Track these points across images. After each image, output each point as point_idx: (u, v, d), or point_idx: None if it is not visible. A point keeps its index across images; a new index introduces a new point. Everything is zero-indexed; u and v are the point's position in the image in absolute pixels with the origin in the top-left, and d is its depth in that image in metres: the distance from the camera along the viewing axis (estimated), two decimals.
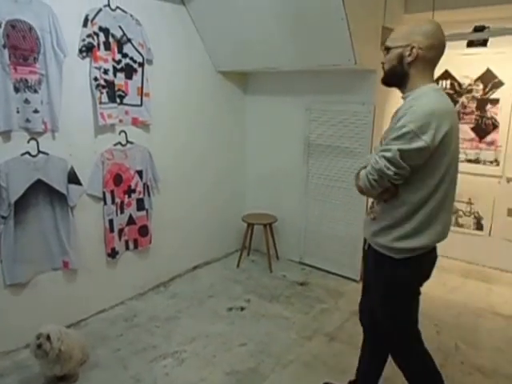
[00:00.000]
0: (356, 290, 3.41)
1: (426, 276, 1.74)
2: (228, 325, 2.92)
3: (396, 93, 3.90)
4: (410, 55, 1.58)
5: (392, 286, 1.71)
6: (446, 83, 3.92)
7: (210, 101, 3.69)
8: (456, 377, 2.40)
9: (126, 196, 3.04)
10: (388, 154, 1.52)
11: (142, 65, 2.97)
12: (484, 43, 3.07)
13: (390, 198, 1.62)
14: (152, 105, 3.09)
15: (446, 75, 3.91)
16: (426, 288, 3.34)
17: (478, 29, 3.06)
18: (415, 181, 1.56)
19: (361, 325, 2.06)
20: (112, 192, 2.93)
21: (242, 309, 3.14)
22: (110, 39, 2.76)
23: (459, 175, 3.95)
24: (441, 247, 4.21)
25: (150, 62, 3.05)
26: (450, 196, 1.62)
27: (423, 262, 1.68)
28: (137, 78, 2.96)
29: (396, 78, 1.66)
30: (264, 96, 3.94)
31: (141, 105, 3.01)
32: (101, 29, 2.69)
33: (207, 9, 3.26)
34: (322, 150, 3.62)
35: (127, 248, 3.14)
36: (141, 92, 2.99)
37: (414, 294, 1.75)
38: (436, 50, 1.59)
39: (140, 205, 3.14)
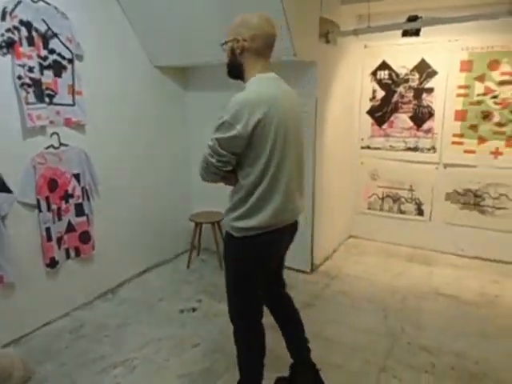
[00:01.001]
0: (307, 281, 3.47)
1: (265, 257, 1.84)
2: (180, 327, 2.85)
3: (338, 85, 3.98)
4: (238, 47, 1.73)
5: (233, 261, 1.86)
6: (384, 73, 4.03)
7: (148, 98, 3.55)
8: (404, 358, 2.49)
9: (63, 202, 2.87)
10: (210, 144, 1.67)
11: (71, 61, 2.79)
12: (417, 33, 3.15)
13: (234, 184, 1.77)
14: (86, 104, 2.93)
15: (384, 66, 4.01)
16: (372, 275, 3.51)
17: (412, 19, 3.14)
18: (246, 166, 1.70)
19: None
20: (47, 198, 2.75)
21: (194, 309, 3.08)
22: (34, 34, 2.55)
23: (401, 164, 4.15)
24: (385, 234, 4.39)
25: (80, 57, 2.87)
26: (281, 181, 1.72)
27: (259, 243, 1.77)
28: (67, 75, 2.78)
29: (234, 69, 1.80)
30: (206, 91, 3.85)
31: (73, 104, 2.84)
32: (22, 22, 2.49)
33: (138, 1, 3.11)
34: None
35: (68, 257, 2.97)
36: (72, 90, 2.82)
37: (253, 273, 1.84)
38: (260, 40, 1.71)
39: (79, 210, 2.97)
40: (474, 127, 3.74)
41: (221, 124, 1.63)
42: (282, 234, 1.85)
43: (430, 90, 3.86)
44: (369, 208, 4.35)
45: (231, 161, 1.68)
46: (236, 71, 1.80)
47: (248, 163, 1.68)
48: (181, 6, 3.00)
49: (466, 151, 3.81)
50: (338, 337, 2.70)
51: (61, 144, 2.82)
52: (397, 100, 4.01)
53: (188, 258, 3.81)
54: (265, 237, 1.76)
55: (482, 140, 3.73)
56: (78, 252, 3.02)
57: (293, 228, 1.93)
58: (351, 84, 4.10)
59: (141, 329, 2.83)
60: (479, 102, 3.69)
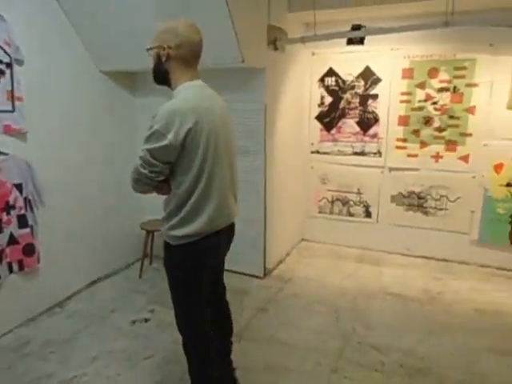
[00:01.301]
0: (261, 286, 3.50)
1: (203, 263, 1.83)
2: (132, 339, 2.78)
3: (287, 91, 4.04)
4: (163, 55, 1.70)
5: (172, 269, 1.84)
6: (332, 80, 4.14)
7: (93, 103, 3.44)
8: (354, 357, 2.56)
9: (4, 213, 2.72)
10: (141, 154, 1.65)
11: (10, 65, 2.66)
12: (361, 41, 3.24)
13: (168, 193, 1.76)
14: (27, 110, 2.80)
15: (331, 73, 4.13)
16: (324, 278, 3.59)
17: (355, 27, 3.24)
18: (178, 175, 1.69)
19: None
20: None
21: (147, 320, 3.01)
22: None
23: (349, 168, 4.27)
24: (336, 236, 4.49)
25: (19, 62, 2.73)
26: (215, 188, 1.75)
27: (196, 249, 1.77)
28: (5, 80, 2.64)
29: (160, 76, 1.78)
30: (155, 97, 3.70)
31: (13, 110, 2.70)
32: None
33: (80, 2, 3.01)
34: None
35: (11, 271, 2.81)
36: (11, 96, 2.68)
37: (192, 279, 1.83)
38: (186, 48, 1.70)
39: (22, 222, 2.83)
40: (416, 132, 3.93)
41: (151, 134, 1.62)
42: (219, 238, 1.86)
43: (375, 97, 4.01)
44: (319, 211, 4.45)
45: (164, 170, 1.68)
46: (162, 78, 1.78)
47: (181, 172, 1.69)
48: (124, 8, 2.93)
49: (409, 155, 3.99)
50: (291, 340, 2.74)
51: (0, 153, 2.67)
52: (344, 106, 4.13)
53: (140, 267, 3.73)
54: (201, 243, 1.76)
55: (423, 144, 3.92)
56: (21, 265, 2.87)
57: (229, 231, 1.95)
58: (300, 90, 4.18)
59: (91, 343, 2.73)
60: (420, 108, 3.88)
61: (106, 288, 3.51)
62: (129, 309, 3.16)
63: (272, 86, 3.49)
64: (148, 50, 1.76)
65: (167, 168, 1.68)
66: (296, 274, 3.73)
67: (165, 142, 1.59)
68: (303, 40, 3.48)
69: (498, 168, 3.73)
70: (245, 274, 3.62)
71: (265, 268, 3.64)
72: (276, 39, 3.36)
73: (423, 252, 4.07)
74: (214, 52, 2.99)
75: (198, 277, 1.84)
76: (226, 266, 3.64)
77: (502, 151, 3.67)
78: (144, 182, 1.70)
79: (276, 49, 3.39)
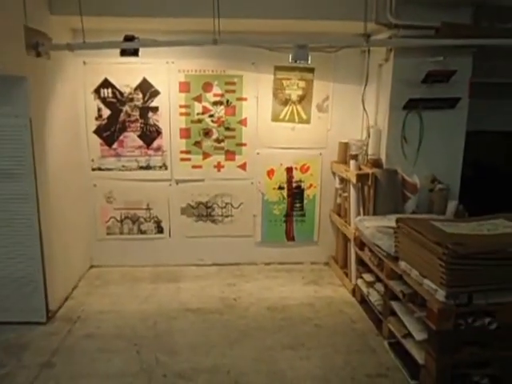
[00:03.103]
0: (43, 333, 2.98)
1: None
2: None
3: (58, 103, 3.57)
4: None
5: None
6: (108, 92, 3.85)
7: None
8: None
9: None
10: None
11: None
12: (136, 53, 3.09)
13: None
14: None
15: (107, 84, 3.84)
16: (120, 306, 3.31)
17: (128, 38, 3.07)
18: None
19: None
20: None
21: None
22: None
23: (136, 183, 4.08)
24: (129, 258, 4.24)
25: None
26: None
27: None
28: None
29: None
30: None
31: None
32: None
33: None
34: None
35: None
36: None
37: None
38: None
39: None
40: (198, 144, 4.03)
41: None
42: None
43: (155, 109, 3.92)
44: (108, 233, 4.11)
45: None
46: None
47: None
48: None
49: (193, 166, 4.06)
50: None
51: None
52: (124, 119, 3.91)
53: None
54: None
55: (206, 155, 4.05)
56: None
57: None
58: (74, 102, 3.77)
59: None
60: (200, 121, 3.99)
61: None
62: None
63: (37, 98, 3.02)
64: None
65: None
66: (87, 309, 3.31)
67: None
68: (70, 47, 3.10)
69: (270, 173, 4.16)
70: (22, 323, 3.00)
71: (47, 310, 3.11)
72: (38, 44, 2.90)
73: (216, 260, 4.21)
74: None
75: None
76: None
77: (271, 158, 4.11)
78: None
79: (39, 55, 2.93)
